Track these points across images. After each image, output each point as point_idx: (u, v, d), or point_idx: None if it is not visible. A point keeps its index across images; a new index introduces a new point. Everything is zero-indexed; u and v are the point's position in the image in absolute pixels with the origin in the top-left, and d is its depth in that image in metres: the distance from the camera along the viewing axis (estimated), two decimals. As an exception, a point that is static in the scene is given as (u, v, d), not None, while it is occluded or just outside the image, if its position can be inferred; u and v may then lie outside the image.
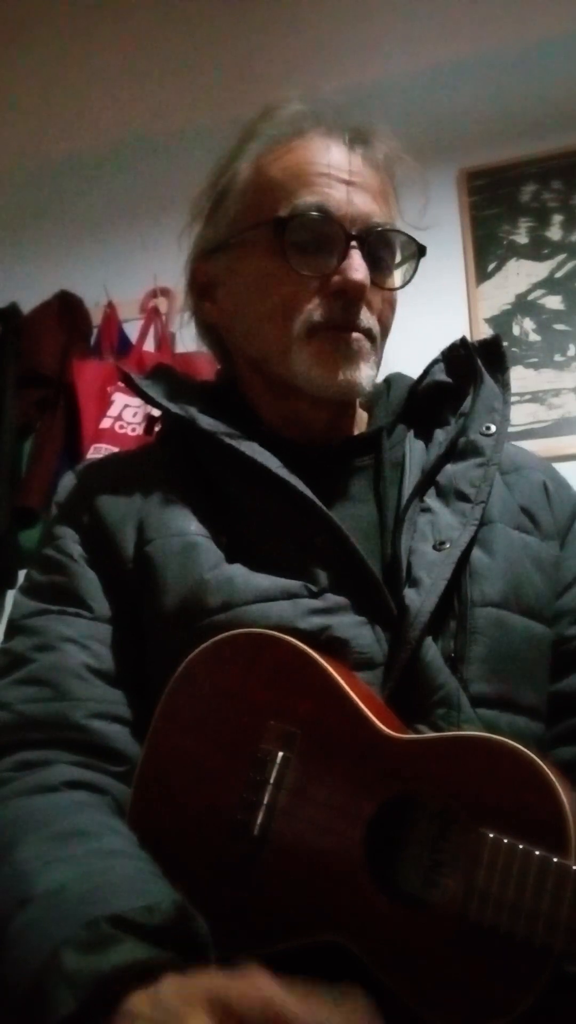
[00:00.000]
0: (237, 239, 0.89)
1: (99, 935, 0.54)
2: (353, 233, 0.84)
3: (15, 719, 0.77)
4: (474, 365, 0.93)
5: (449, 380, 0.94)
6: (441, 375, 0.95)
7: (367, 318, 0.85)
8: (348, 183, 0.85)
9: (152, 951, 0.54)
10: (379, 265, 0.87)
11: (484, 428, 0.88)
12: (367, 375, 0.86)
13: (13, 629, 0.84)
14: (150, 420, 0.99)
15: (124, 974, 0.53)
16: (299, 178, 0.85)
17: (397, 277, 0.90)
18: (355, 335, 0.85)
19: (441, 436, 0.89)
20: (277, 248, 0.85)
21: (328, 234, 0.84)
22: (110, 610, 0.83)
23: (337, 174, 0.85)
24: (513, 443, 0.94)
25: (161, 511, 0.84)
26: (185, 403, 0.88)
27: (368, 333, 0.86)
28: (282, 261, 0.85)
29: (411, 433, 0.93)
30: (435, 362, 0.97)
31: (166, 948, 0.55)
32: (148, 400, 0.90)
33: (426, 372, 0.97)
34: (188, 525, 0.82)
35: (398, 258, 0.90)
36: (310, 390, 0.86)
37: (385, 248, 0.88)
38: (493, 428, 0.88)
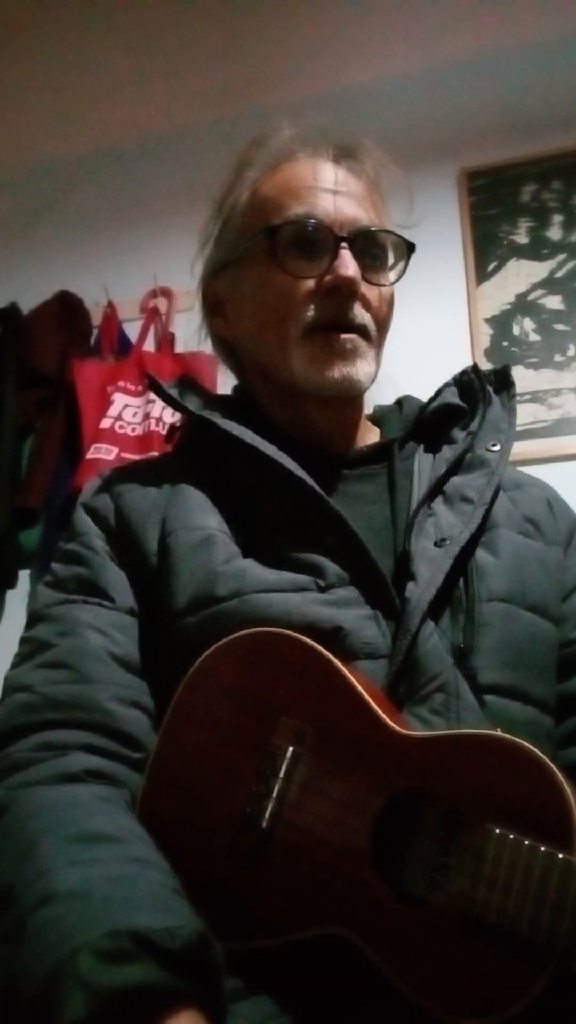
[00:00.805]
0: (238, 254, 0.95)
1: (119, 947, 0.54)
2: (342, 235, 0.89)
3: (37, 700, 0.78)
4: (485, 390, 0.98)
5: (461, 403, 0.98)
6: (453, 397, 0.99)
7: (361, 314, 0.89)
8: (335, 192, 0.91)
9: (167, 978, 0.54)
10: (371, 264, 0.91)
11: (490, 445, 0.93)
12: (364, 371, 0.90)
13: (35, 618, 0.86)
14: (171, 429, 1.03)
15: (137, 993, 0.53)
16: (289, 193, 0.91)
17: (391, 275, 0.95)
18: (348, 336, 0.89)
19: (449, 452, 0.93)
20: (272, 256, 0.90)
21: (318, 238, 0.89)
22: (133, 603, 0.85)
23: (324, 186, 0.91)
24: (515, 462, 0.99)
25: (183, 507, 0.86)
26: (207, 409, 0.92)
27: (363, 330, 0.90)
28: (277, 267, 0.90)
29: (421, 448, 0.97)
30: (446, 385, 1.01)
31: (182, 975, 0.55)
32: (174, 404, 0.94)
33: (437, 394, 1.01)
34: (208, 520, 0.85)
35: (390, 257, 0.95)
36: (310, 389, 0.90)
37: (376, 247, 0.92)
38: (498, 446, 0.92)
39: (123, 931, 0.55)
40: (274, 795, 0.69)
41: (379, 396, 1.06)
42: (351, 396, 0.93)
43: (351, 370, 0.89)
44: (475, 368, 1.01)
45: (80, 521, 0.91)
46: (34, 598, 0.89)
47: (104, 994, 0.52)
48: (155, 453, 1.93)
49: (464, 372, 1.01)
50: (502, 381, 1.00)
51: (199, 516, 0.85)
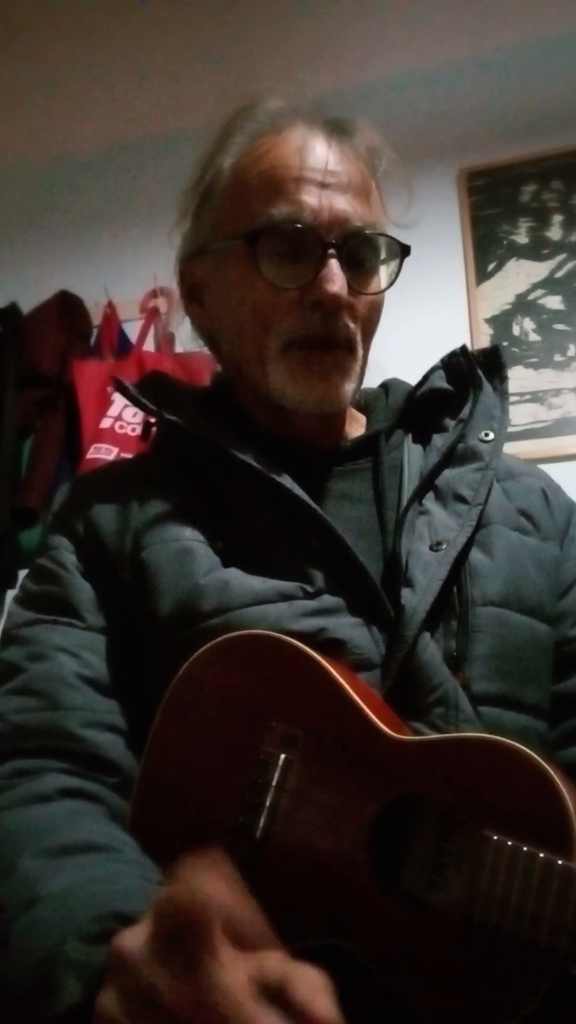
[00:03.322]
0: (218, 246, 0.88)
1: (107, 928, 0.53)
2: (330, 241, 0.82)
3: (7, 729, 0.76)
4: (474, 373, 0.93)
5: (449, 387, 0.94)
6: (441, 382, 0.94)
7: (348, 326, 0.84)
8: (324, 185, 0.83)
9: None
10: (360, 269, 0.85)
11: (483, 435, 0.88)
12: (347, 389, 0.86)
13: (6, 639, 0.84)
14: (146, 426, 0.98)
15: None
16: (273, 184, 0.84)
17: (382, 277, 0.88)
18: (331, 355, 0.84)
19: (439, 442, 0.89)
20: (253, 260, 0.83)
21: (304, 244, 0.83)
22: (104, 621, 0.82)
23: (312, 176, 0.83)
24: (508, 452, 0.94)
25: (156, 518, 0.83)
26: (179, 409, 0.88)
27: (348, 343, 0.85)
28: (259, 273, 0.83)
29: (409, 437, 0.93)
30: (434, 369, 0.97)
31: None
32: (142, 407, 0.90)
33: (425, 378, 0.97)
34: (183, 531, 0.82)
35: (383, 255, 0.87)
36: (288, 405, 0.86)
37: (367, 250, 0.85)
38: (491, 435, 0.88)
39: (107, 914, 0.54)
40: (267, 804, 0.68)
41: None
42: (330, 412, 0.90)
43: (332, 392, 0.84)
44: (464, 350, 0.95)
45: (50, 534, 0.88)
46: (7, 615, 0.86)
47: (97, 972, 0.51)
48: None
49: (452, 354, 0.96)
50: (492, 364, 0.94)
51: (174, 527, 0.82)
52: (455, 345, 0.99)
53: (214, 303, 0.91)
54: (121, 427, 2.25)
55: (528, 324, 2.20)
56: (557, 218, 2.24)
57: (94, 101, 2.52)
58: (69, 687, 0.78)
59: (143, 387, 0.92)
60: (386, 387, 1.00)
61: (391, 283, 0.89)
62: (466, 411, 0.91)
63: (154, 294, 2.44)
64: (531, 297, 2.21)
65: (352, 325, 0.84)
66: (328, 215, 0.82)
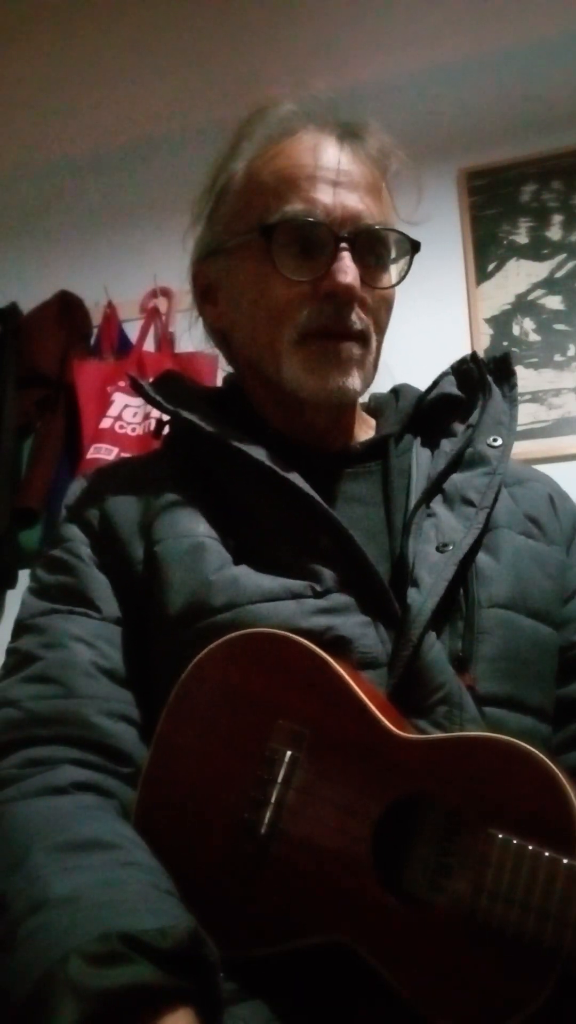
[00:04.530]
0: (232, 244, 0.90)
1: (110, 950, 0.54)
2: (342, 235, 0.84)
3: (23, 716, 0.76)
4: (484, 380, 0.94)
5: (459, 393, 0.95)
6: (451, 388, 0.96)
7: (360, 319, 0.85)
8: (336, 183, 0.85)
9: (160, 976, 0.54)
10: (372, 263, 0.87)
11: (491, 440, 0.90)
12: (361, 380, 0.87)
13: (21, 628, 0.84)
14: (159, 424, 0.99)
15: (130, 994, 0.53)
16: (287, 183, 0.86)
17: (392, 274, 0.90)
18: (345, 344, 0.85)
19: (448, 446, 0.91)
20: (266, 254, 0.85)
21: (317, 238, 0.84)
22: (119, 612, 0.83)
23: (325, 175, 0.85)
24: (515, 458, 0.95)
25: (170, 513, 0.84)
26: (192, 408, 0.89)
27: (361, 336, 0.86)
28: (272, 267, 0.85)
29: (418, 441, 0.94)
30: (444, 375, 0.98)
31: (175, 973, 0.55)
32: (156, 405, 0.91)
33: (435, 384, 0.98)
34: (197, 526, 0.83)
35: (393, 254, 0.90)
36: (302, 396, 0.87)
37: (378, 246, 0.87)
38: (500, 441, 0.90)
39: (113, 934, 0.54)
40: (272, 801, 0.68)
41: (377, 388, 1.02)
42: (346, 404, 0.91)
43: (347, 380, 0.85)
44: (474, 356, 0.97)
45: (65, 526, 0.89)
46: (21, 606, 0.87)
47: (95, 997, 0.52)
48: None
49: (463, 361, 0.98)
50: (502, 370, 0.96)
51: (187, 522, 0.83)
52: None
53: (228, 301, 0.93)
54: (121, 427, 2.25)
55: (528, 324, 2.20)
56: (557, 218, 2.24)
57: (94, 101, 2.52)
58: (85, 675, 0.78)
59: (158, 386, 0.94)
60: (396, 392, 1.02)
61: (402, 278, 0.90)
62: (475, 416, 0.92)
63: (154, 294, 2.44)
64: (531, 297, 2.21)
65: (365, 317, 0.86)
66: (341, 212, 0.84)
